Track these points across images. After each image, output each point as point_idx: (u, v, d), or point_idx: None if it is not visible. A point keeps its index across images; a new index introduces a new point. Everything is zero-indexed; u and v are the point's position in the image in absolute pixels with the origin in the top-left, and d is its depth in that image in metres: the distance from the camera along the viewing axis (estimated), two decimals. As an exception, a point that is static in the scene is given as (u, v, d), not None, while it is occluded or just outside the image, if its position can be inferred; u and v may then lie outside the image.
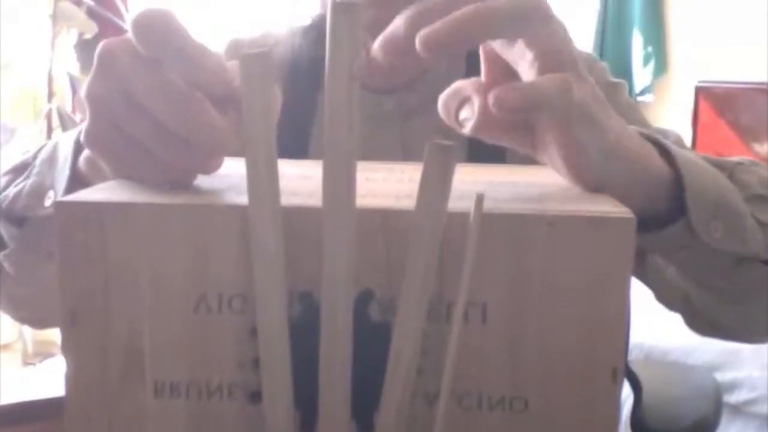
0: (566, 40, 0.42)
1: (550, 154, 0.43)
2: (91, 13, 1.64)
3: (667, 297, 0.67)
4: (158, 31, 0.38)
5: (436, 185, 0.34)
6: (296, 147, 0.72)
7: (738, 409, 1.99)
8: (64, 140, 0.55)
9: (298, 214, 0.36)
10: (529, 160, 0.46)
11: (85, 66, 1.64)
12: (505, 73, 0.43)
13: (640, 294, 0.63)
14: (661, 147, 0.50)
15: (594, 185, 0.42)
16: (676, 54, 3.15)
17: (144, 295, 0.37)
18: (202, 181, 0.41)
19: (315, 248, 0.35)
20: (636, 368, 1.51)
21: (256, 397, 0.37)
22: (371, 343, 0.36)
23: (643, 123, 0.75)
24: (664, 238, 0.50)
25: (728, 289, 0.56)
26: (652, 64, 3.13)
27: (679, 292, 0.63)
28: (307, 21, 0.79)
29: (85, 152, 0.49)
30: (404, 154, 0.72)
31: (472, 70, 0.39)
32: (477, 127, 0.41)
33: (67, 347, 0.38)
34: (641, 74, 3.15)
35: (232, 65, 0.41)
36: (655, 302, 0.69)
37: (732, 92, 2.94)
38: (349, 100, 0.34)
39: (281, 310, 0.36)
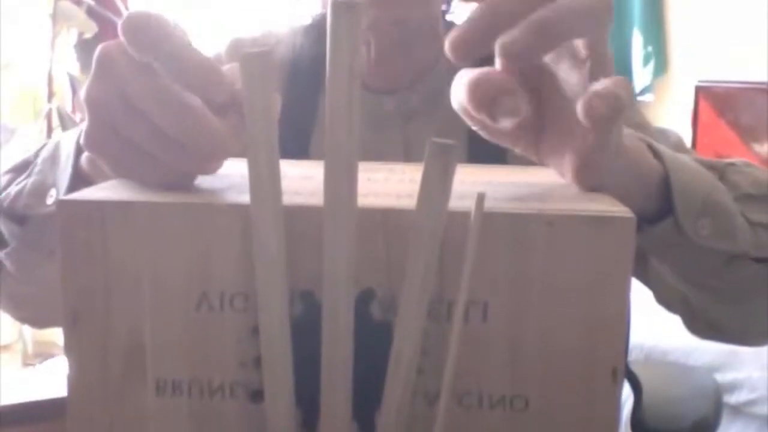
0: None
1: (558, 157, 0.43)
2: (91, 13, 1.64)
3: (667, 299, 0.67)
4: (147, 34, 0.38)
5: (436, 184, 0.34)
6: (297, 147, 0.72)
7: (738, 410, 1.99)
8: (65, 139, 0.55)
9: (299, 214, 0.36)
10: (530, 161, 0.46)
11: (85, 66, 1.64)
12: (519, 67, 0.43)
13: (640, 294, 0.63)
14: (649, 146, 0.51)
15: (596, 186, 0.43)
16: (676, 54, 3.15)
17: (146, 294, 0.37)
18: (203, 180, 0.41)
19: (316, 247, 0.35)
20: (636, 369, 1.51)
21: (257, 395, 0.37)
22: (372, 342, 0.36)
23: (643, 123, 0.75)
24: (654, 236, 0.51)
25: (722, 288, 0.56)
26: (652, 64, 3.13)
27: (678, 293, 0.64)
28: (308, 20, 0.80)
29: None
30: (405, 154, 0.72)
31: (473, 69, 0.38)
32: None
33: (69, 346, 0.38)
34: (641, 74, 3.15)
35: (232, 68, 0.41)
36: (656, 302, 0.69)
37: (732, 92, 2.94)
38: (350, 100, 0.34)
39: (283, 308, 0.36)
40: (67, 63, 1.66)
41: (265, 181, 0.35)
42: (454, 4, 0.81)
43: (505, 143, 0.44)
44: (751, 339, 0.67)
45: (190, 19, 2.10)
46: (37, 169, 0.56)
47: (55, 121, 1.61)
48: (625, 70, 3.14)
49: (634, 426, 1.51)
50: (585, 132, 0.40)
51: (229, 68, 0.41)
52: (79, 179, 0.52)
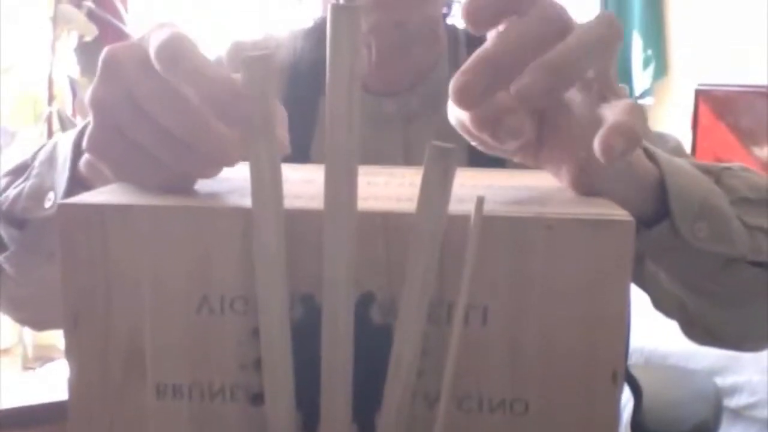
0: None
1: (556, 165, 0.43)
2: (91, 16, 1.65)
3: (664, 304, 0.67)
4: (181, 59, 0.37)
5: (436, 188, 0.34)
6: (298, 150, 0.72)
7: (738, 414, 1.99)
8: (62, 141, 0.55)
9: (300, 217, 0.36)
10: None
11: (85, 69, 1.65)
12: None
13: (640, 298, 0.63)
14: (645, 150, 0.51)
15: (593, 191, 0.43)
16: (676, 57, 3.16)
17: (146, 297, 0.37)
18: (203, 183, 0.41)
19: (317, 251, 0.35)
20: (636, 372, 1.52)
21: (257, 398, 0.37)
22: (372, 345, 0.36)
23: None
24: (650, 240, 0.51)
25: (719, 292, 0.56)
26: (652, 67, 3.14)
27: (675, 299, 0.64)
28: (308, 23, 0.80)
29: (86, 155, 0.49)
30: (406, 156, 0.72)
31: None
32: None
33: (70, 349, 0.38)
34: (641, 77, 3.15)
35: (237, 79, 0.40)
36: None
37: (732, 95, 2.95)
38: (350, 102, 0.34)
39: (283, 311, 0.36)
40: (68, 66, 1.66)
41: (266, 184, 0.35)
42: (454, 6, 0.82)
43: (503, 155, 0.44)
44: (749, 345, 0.67)
45: (190, 23, 2.10)
46: (34, 172, 0.56)
47: (56, 125, 1.62)
48: (625, 73, 3.14)
49: (634, 429, 1.51)
50: (584, 145, 0.40)
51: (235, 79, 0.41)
52: (77, 182, 0.51)
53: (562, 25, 0.38)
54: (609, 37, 0.39)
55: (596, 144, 0.37)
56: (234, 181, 0.41)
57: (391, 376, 0.36)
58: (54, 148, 0.56)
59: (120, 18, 1.68)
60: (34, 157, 0.58)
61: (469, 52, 0.38)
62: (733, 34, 2.92)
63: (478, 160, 0.50)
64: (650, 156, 0.51)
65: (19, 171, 0.59)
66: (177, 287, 0.37)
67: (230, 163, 0.40)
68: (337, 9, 0.34)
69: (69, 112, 1.67)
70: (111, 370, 0.38)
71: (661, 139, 0.71)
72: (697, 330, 0.65)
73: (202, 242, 0.37)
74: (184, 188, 0.40)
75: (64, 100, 1.68)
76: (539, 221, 0.36)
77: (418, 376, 0.36)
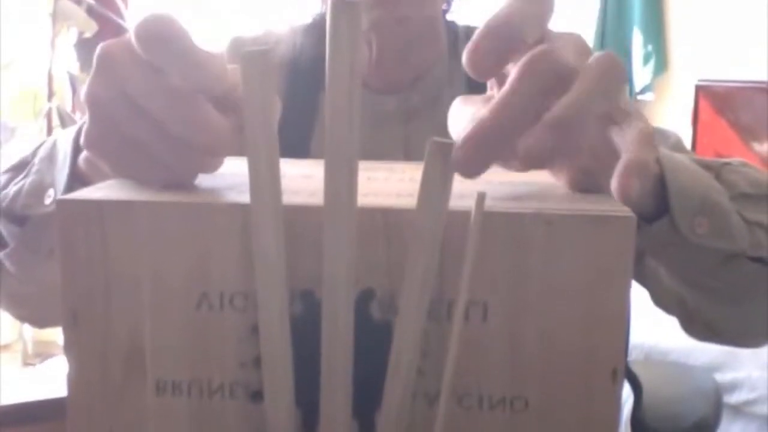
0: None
1: (557, 167, 0.43)
2: (91, 12, 1.65)
3: (664, 300, 0.67)
4: (161, 39, 0.38)
5: (436, 184, 0.34)
6: (298, 146, 0.72)
7: (738, 410, 1.99)
8: (62, 138, 0.55)
9: (299, 213, 0.36)
10: None
11: (85, 65, 1.64)
12: None
13: (640, 294, 0.63)
14: None
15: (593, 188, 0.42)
16: (676, 52, 3.15)
17: (145, 294, 0.37)
18: (203, 179, 0.41)
19: (316, 247, 0.35)
20: (636, 368, 1.52)
21: (257, 395, 0.37)
22: (372, 342, 0.36)
23: None
24: (650, 235, 0.51)
25: (719, 288, 0.56)
26: (652, 63, 3.14)
27: (675, 295, 0.64)
28: (308, 20, 0.80)
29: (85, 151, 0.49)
30: (406, 153, 0.72)
31: None
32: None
33: (69, 346, 0.38)
34: (641, 73, 3.15)
35: (233, 69, 0.41)
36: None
37: (732, 91, 2.95)
38: (350, 99, 0.34)
39: (282, 308, 0.36)
40: (68, 62, 1.66)
41: (265, 180, 0.35)
42: (454, 3, 0.81)
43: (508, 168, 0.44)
44: (749, 340, 0.67)
45: (190, 19, 2.10)
46: (34, 168, 0.56)
47: (55, 120, 1.62)
48: (625, 69, 3.13)
49: (634, 426, 1.51)
50: (588, 154, 0.40)
51: (233, 69, 0.41)
52: (77, 179, 0.51)
53: (564, 73, 0.37)
54: (614, 83, 0.38)
55: (613, 185, 0.36)
56: (233, 177, 0.41)
57: (391, 374, 0.36)
58: (54, 145, 0.56)
59: (120, 14, 1.68)
60: (34, 154, 0.58)
61: None
62: (733, 30, 2.92)
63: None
64: None
65: (19, 168, 0.59)
66: (176, 283, 0.37)
67: (228, 153, 0.40)
68: (337, 5, 0.33)
69: (69, 108, 1.67)
70: (110, 366, 0.37)
71: (661, 135, 0.71)
72: (697, 326, 0.65)
73: (202, 238, 0.36)
74: (184, 184, 0.40)
75: (64, 96, 1.68)
76: (539, 217, 0.36)
77: (418, 374, 0.36)
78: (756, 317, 0.60)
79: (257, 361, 0.37)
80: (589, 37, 3.14)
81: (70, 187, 0.51)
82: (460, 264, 0.35)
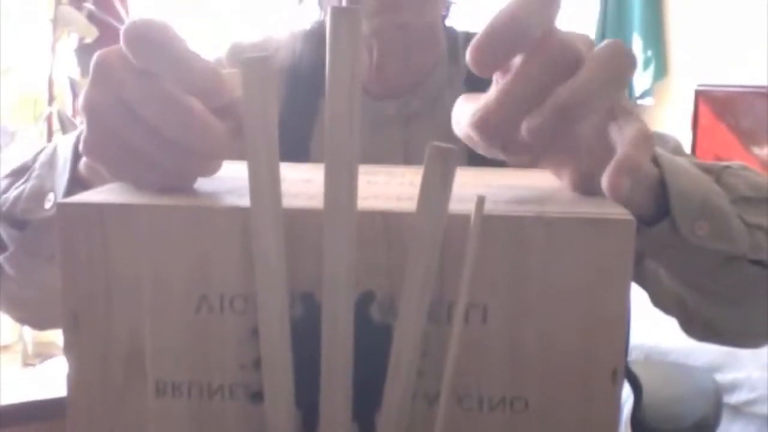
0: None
1: (558, 168, 0.44)
2: (91, 18, 1.65)
3: (663, 301, 0.67)
4: (148, 42, 0.38)
5: (436, 187, 0.34)
6: (298, 150, 0.72)
7: (738, 410, 1.99)
8: (63, 143, 0.55)
9: (299, 216, 0.36)
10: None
11: (85, 70, 1.64)
12: None
13: (640, 295, 0.63)
14: None
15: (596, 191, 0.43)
16: (675, 57, 3.15)
17: (145, 296, 0.37)
18: (203, 183, 0.41)
19: (316, 250, 0.35)
20: (636, 369, 1.52)
21: (257, 397, 0.37)
22: (372, 344, 0.36)
23: None
24: (651, 238, 0.51)
25: (718, 290, 0.56)
26: (652, 68, 3.13)
27: (674, 296, 0.64)
28: (308, 26, 0.80)
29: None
30: (406, 158, 0.72)
31: (473, 74, 0.38)
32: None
33: (70, 348, 0.38)
34: (641, 78, 3.15)
35: (231, 74, 0.41)
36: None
37: (732, 96, 2.94)
38: (350, 104, 0.34)
39: (283, 310, 0.36)
40: (68, 67, 1.66)
41: (265, 184, 0.35)
42: (452, 9, 0.82)
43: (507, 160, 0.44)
44: (748, 341, 0.67)
45: (189, 25, 2.10)
46: (35, 173, 0.56)
47: (56, 125, 1.62)
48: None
49: (634, 426, 1.51)
50: (588, 154, 0.40)
51: (229, 74, 0.41)
52: (77, 183, 0.52)
53: (571, 58, 0.37)
54: (621, 72, 0.38)
55: (604, 182, 0.37)
56: (233, 181, 0.42)
57: (391, 375, 0.36)
58: (54, 150, 0.56)
59: (120, 20, 1.68)
60: (34, 159, 0.58)
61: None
62: (733, 35, 2.92)
63: (478, 159, 0.50)
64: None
65: (20, 172, 0.59)
66: (176, 286, 0.37)
67: (225, 156, 0.40)
68: (337, 12, 0.34)
69: (69, 112, 1.67)
70: (110, 368, 0.38)
71: (661, 139, 0.71)
72: (697, 326, 0.65)
73: (202, 241, 0.37)
74: (183, 187, 0.40)
75: (64, 101, 1.68)
76: (539, 220, 0.36)
77: (418, 375, 0.36)
78: (756, 318, 0.60)
79: (257, 363, 0.37)
80: (589, 41, 3.14)
81: (71, 191, 0.51)
82: (460, 266, 0.35)
